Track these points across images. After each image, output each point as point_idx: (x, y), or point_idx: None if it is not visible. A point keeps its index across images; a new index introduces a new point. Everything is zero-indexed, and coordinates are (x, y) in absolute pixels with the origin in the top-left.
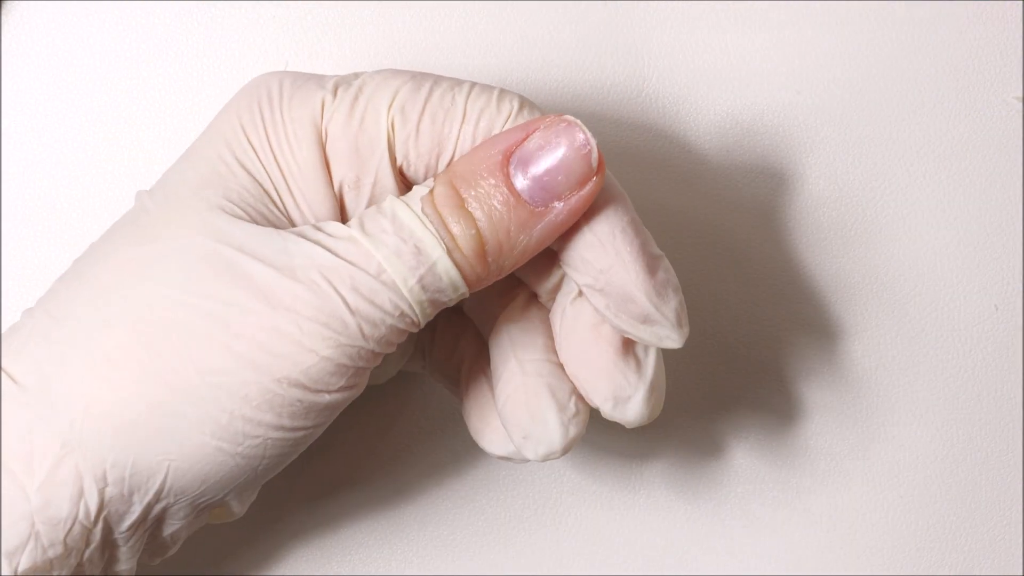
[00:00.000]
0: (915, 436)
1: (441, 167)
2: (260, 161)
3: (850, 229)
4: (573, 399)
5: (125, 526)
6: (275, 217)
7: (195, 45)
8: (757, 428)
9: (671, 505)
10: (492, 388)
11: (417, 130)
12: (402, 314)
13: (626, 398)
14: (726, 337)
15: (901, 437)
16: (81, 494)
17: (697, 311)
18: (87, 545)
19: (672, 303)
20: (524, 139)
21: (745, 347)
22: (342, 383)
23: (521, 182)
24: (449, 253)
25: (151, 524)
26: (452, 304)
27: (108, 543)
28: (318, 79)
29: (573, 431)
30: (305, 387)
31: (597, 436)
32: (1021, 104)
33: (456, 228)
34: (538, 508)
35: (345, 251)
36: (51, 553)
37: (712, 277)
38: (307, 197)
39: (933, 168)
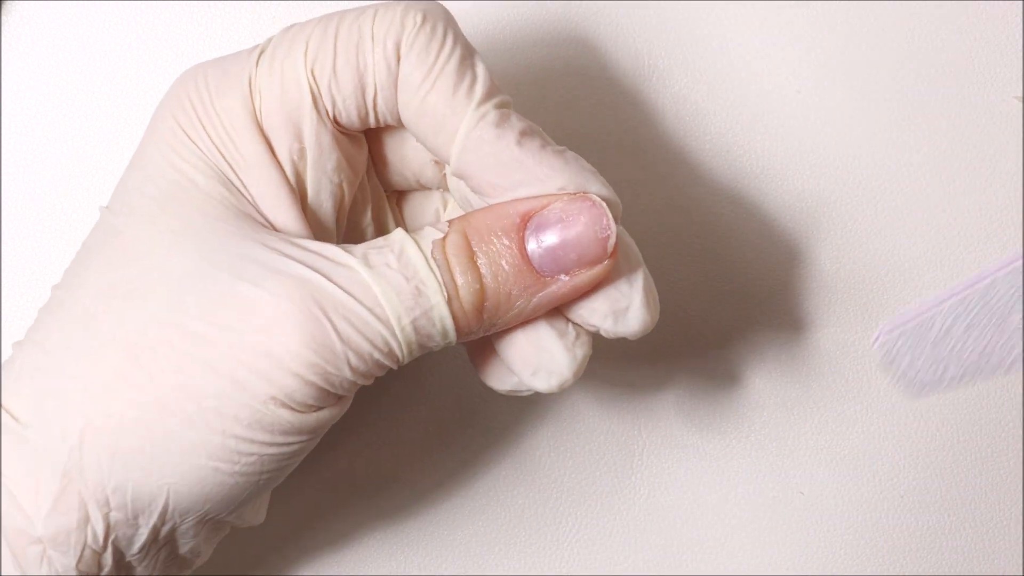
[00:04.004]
0: (915, 436)
1: (370, 104)
2: (209, 161)
3: (849, 229)
4: (570, 324)
5: (136, 548)
6: (247, 210)
7: (195, 45)
8: (756, 431)
9: (670, 505)
10: None
11: (335, 73)
12: (389, 352)
13: (624, 309)
14: (720, 336)
15: (901, 437)
16: (87, 520)
17: (682, 307)
18: (100, 570)
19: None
20: (545, 205)
21: (741, 356)
22: (325, 405)
23: (533, 247)
24: (448, 301)
25: (163, 543)
26: (436, 350)
27: (122, 566)
28: (242, 58)
29: (580, 353)
30: (291, 408)
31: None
32: (1021, 104)
33: (461, 279)
34: (538, 509)
35: (344, 279)
36: None
37: (709, 278)
38: (264, 186)
39: (933, 167)
